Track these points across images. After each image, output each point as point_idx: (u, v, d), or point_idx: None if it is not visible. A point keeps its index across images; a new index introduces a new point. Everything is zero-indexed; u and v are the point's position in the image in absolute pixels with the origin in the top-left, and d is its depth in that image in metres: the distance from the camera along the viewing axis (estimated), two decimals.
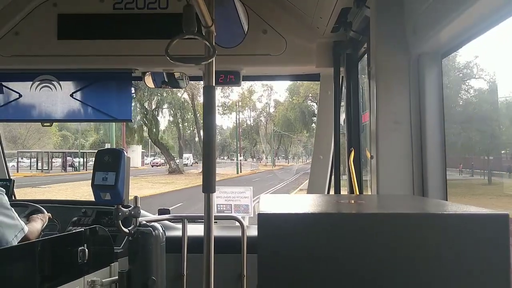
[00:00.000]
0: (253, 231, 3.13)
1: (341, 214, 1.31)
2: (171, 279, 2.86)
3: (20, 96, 3.66)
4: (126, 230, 2.57)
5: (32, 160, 41.06)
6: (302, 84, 42.49)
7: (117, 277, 2.66)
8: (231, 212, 3.59)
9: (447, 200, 2.17)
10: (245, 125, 60.07)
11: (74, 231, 2.90)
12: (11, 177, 4.08)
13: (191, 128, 47.70)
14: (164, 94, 38.40)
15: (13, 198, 3.79)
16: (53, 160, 41.96)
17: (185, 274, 3.01)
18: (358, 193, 3.03)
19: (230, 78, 3.49)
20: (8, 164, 4.31)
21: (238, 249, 3.00)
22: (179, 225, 3.13)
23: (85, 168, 39.67)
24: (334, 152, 3.31)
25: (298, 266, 1.18)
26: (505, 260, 1.15)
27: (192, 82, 4.21)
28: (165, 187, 27.45)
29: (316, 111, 3.86)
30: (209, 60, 1.96)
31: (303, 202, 1.64)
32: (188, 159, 50.75)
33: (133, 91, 3.96)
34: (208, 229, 2.01)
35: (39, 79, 3.65)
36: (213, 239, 2.01)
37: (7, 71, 3.65)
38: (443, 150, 2.23)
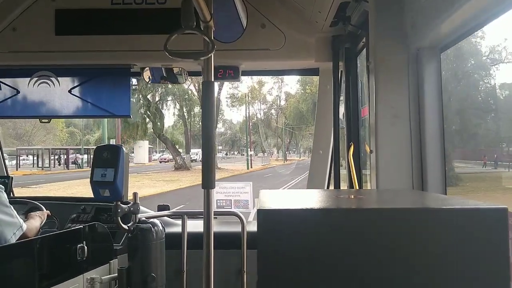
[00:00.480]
0: (253, 227, 3.13)
1: (340, 210, 1.31)
2: (171, 275, 2.86)
3: (18, 92, 3.64)
4: (125, 226, 2.56)
5: (35, 157, 40.50)
6: None
7: (116, 274, 2.65)
8: (231, 208, 3.60)
9: (446, 194, 2.18)
10: (255, 119, 59.37)
11: (73, 228, 2.90)
12: (10, 175, 4.07)
13: (200, 122, 46.77)
14: (169, 86, 37.38)
15: (12, 195, 3.79)
16: (56, 157, 41.44)
17: (185, 270, 3.00)
18: (357, 188, 3.04)
19: (229, 73, 3.48)
20: (8, 162, 4.31)
21: (238, 245, 2.99)
22: (179, 221, 3.13)
23: (89, 165, 39.20)
24: (334, 147, 3.31)
25: (298, 261, 1.18)
26: (504, 253, 1.16)
27: None
28: (167, 185, 26.36)
29: None
30: (208, 55, 1.95)
31: (302, 197, 1.63)
32: (197, 155, 48.63)
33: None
34: (207, 225, 2.00)
35: (37, 75, 3.62)
36: (212, 235, 2.00)
37: (4, 67, 3.62)
38: (442, 144, 2.23)
